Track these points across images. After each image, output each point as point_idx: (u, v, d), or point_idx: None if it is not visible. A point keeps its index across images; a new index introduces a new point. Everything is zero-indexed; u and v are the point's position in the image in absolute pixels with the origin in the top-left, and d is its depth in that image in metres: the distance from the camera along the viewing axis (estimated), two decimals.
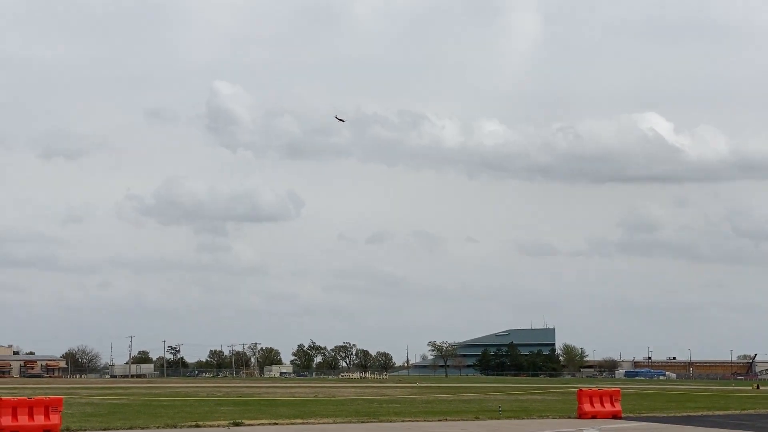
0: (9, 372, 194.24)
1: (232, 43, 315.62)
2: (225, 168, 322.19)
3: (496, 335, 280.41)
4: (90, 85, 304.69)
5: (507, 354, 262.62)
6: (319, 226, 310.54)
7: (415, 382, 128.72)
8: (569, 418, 41.52)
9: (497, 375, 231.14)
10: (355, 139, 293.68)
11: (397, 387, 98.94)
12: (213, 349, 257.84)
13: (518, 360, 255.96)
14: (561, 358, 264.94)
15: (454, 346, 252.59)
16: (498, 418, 41.34)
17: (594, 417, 40.89)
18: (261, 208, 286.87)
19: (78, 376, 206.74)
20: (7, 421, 30.21)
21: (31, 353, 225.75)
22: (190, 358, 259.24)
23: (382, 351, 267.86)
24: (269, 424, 36.22)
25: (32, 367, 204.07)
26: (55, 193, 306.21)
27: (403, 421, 38.91)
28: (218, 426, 34.49)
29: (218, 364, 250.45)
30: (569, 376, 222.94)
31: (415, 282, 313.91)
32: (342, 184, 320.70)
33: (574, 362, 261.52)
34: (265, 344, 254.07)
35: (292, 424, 36.49)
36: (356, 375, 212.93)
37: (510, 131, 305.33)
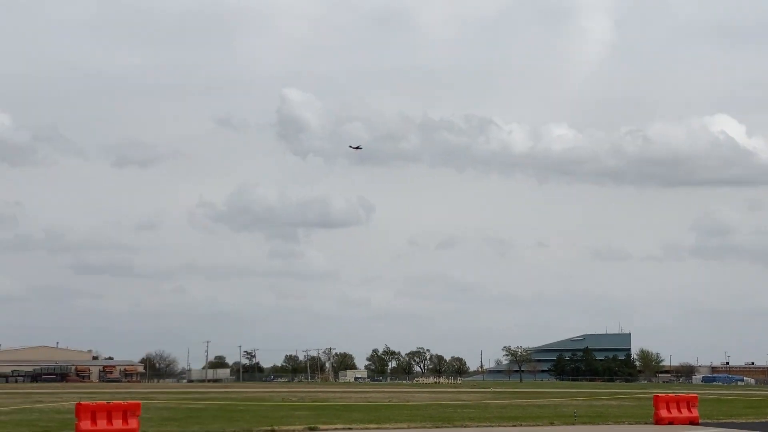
0: (89, 377, 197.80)
1: (302, 50, 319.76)
2: (295, 175, 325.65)
3: (571, 340, 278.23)
4: (161, 93, 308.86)
5: (582, 359, 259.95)
6: (389, 231, 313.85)
7: (490, 387, 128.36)
8: (646, 424, 40.93)
9: (572, 380, 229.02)
10: (424, 144, 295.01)
11: (471, 392, 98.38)
12: (288, 354, 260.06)
13: (593, 365, 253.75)
14: (637, 364, 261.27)
15: (528, 351, 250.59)
16: (573, 424, 40.84)
17: (671, 423, 40.38)
18: (331, 214, 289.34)
19: (155, 380, 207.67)
20: (86, 425, 30.40)
21: (110, 358, 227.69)
22: (266, 363, 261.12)
23: (456, 356, 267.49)
24: (344, 428, 36.01)
25: (111, 372, 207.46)
26: (129, 200, 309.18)
27: (477, 426, 38.52)
28: (293, 430, 34.36)
29: (293, 368, 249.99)
30: (645, 382, 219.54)
31: (486, 287, 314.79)
32: (412, 189, 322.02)
33: (650, 367, 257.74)
34: (339, 349, 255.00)
35: (366, 429, 36.28)
36: (430, 380, 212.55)
37: (579, 135, 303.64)
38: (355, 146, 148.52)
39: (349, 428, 36.10)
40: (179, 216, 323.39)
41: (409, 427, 37.19)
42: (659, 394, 43.06)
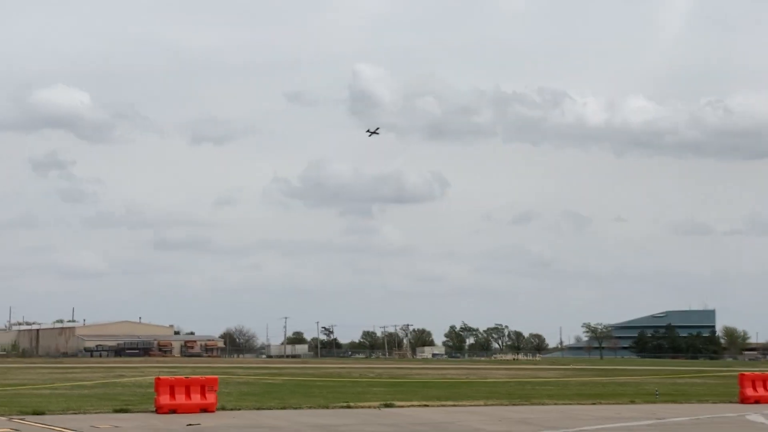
0: (170, 351, 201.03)
1: (373, 25, 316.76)
2: (368, 150, 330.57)
3: (653, 317, 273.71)
4: (236, 70, 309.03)
5: (665, 336, 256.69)
6: (464, 206, 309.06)
7: (569, 365, 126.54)
8: (730, 402, 39.78)
9: (654, 357, 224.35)
10: (497, 118, 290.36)
11: (550, 369, 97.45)
12: (365, 330, 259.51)
13: (676, 342, 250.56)
14: (722, 341, 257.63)
15: (608, 328, 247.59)
16: (654, 402, 39.99)
17: (757, 402, 39.08)
18: (406, 189, 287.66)
19: (235, 355, 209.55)
20: (165, 399, 30.65)
21: (191, 333, 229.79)
22: (343, 339, 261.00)
23: (534, 332, 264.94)
24: (420, 405, 35.80)
25: (192, 347, 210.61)
26: (205, 177, 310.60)
27: (555, 404, 37.93)
28: (369, 407, 34.41)
29: (371, 345, 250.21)
30: (730, 359, 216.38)
31: (564, 262, 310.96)
32: (486, 164, 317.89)
33: (736, 345, 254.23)
34: (416, 325, 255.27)
35: (443, 406, 35.94)
36: (509, 357, 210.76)
37: (657, 107, 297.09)
38: (373, 130, 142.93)
39: (426, 405, 35.87)
40: (255, 192, 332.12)
41: (486, 404, 36.77)
42: (745, 373, 41.87)
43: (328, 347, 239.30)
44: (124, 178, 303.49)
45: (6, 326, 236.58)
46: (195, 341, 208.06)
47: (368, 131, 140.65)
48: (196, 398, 30.88)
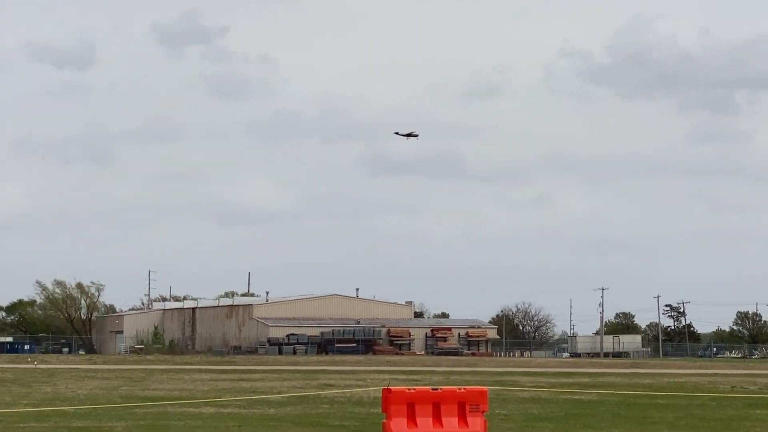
0: (409, 345, 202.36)
1: None
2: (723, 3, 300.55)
3: None
4: None
5: None
6: None
7: None
8: None
9: None
10: None
11: None
12: (741, 309, 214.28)
13: None
14: None
15: None
16: None
17: None
18: None
19: (515, 353, 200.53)
20: (399, 425, 30.44)
21: (442, 315, 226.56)
22: (702, 326, 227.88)
23: None
24: None
25: (444, 338, 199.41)
26: None
27: None
28: None
29: (752, 336, 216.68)
30: None
31: None
32: None
33: None
34: None
35: None
36: None
37: None
38: (405, 134, 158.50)
39: None
40: (533, 74, 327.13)
41: None
42: None
43: (676, 339, 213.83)
44: None
45: (144, 304, 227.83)
46: (449, 329, 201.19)
47: (397, 133, 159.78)
48: (451, 424, 30.10)
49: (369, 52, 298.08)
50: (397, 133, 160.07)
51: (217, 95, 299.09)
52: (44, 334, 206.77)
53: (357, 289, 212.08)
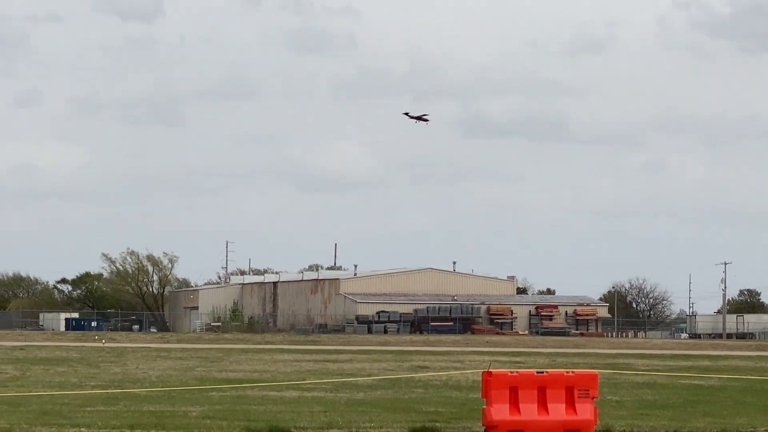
0: (511, 324, 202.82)
1: None
2: None
3: None
4: None
5: None
6: None
7: None
8: None
9: None
10: None
11: None
12: None
13: None
14: None
15: None
16: None
17: None
18: None
19: (631, 334, 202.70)
20: (500, 411, 31.06)
21: (547, 292, 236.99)
22: None
23: None
24: None
25: (550, 316, 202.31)
26: None
27: None
28: None
29: None
30: None
31: None
32: None
33: None
34: None
35: None
36: None
37: None
38: (416, 116, 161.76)
39: None
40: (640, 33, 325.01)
41: None
42: None
43: None
44: None
45: (221, 278, 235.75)
46: (555, 307, 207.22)
47: (406, 114, 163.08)
48: (557, 411, 30.60)
49: (463, 3, 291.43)
50: (406, 114, 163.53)
51: (297, 50, 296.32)
52: (113, 310, 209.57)
53: (454, 263, 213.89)
